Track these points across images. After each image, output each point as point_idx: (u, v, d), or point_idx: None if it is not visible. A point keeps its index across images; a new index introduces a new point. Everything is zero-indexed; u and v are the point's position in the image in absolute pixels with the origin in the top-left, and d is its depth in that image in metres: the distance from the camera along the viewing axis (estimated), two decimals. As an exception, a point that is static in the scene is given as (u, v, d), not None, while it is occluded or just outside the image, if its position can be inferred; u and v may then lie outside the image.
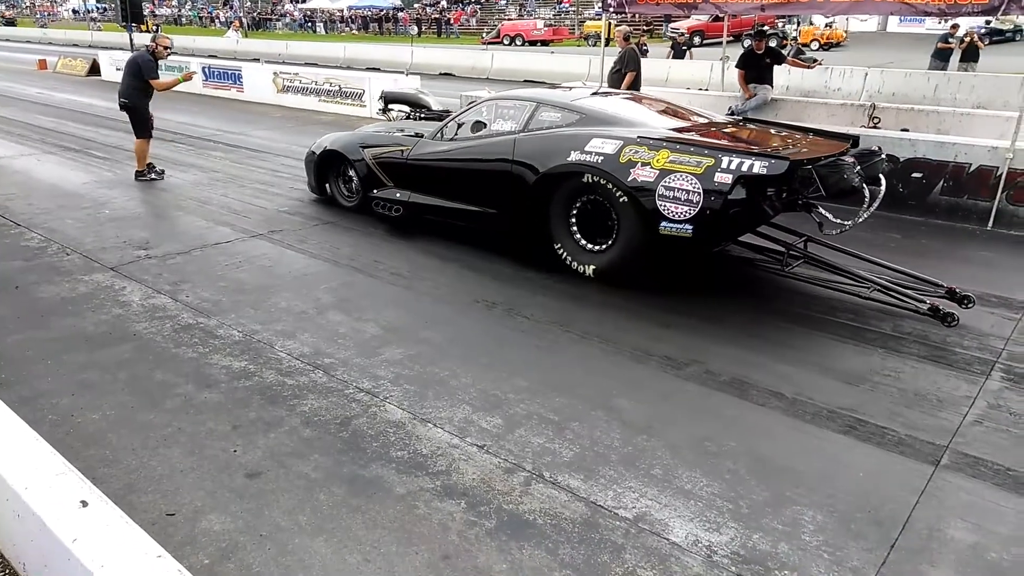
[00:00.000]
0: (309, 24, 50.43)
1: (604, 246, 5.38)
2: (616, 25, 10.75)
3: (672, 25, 34.13)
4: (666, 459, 3.32)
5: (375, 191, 6.79)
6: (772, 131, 5.84)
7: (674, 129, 5.42)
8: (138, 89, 8.03)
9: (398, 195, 6.59)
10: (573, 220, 5.52)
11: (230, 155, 9.87)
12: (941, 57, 16.34)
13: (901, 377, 4.10)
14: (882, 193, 5.02)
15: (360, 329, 4.57)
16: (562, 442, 3.43)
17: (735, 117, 7.50)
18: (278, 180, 8.49)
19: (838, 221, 5.04)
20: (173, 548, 2.72)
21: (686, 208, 4.72)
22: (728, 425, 3.60)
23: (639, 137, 5.10)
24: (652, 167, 4.88)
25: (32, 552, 2.14)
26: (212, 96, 16.73)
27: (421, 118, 7.77)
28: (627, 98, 6.38)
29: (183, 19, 59.54)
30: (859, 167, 4.88)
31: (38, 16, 64.66)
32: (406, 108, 8.20)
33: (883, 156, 5.15)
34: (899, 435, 3.53)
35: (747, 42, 11.89)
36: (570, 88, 6.64)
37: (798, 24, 32.04)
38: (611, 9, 8.97)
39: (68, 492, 2.11)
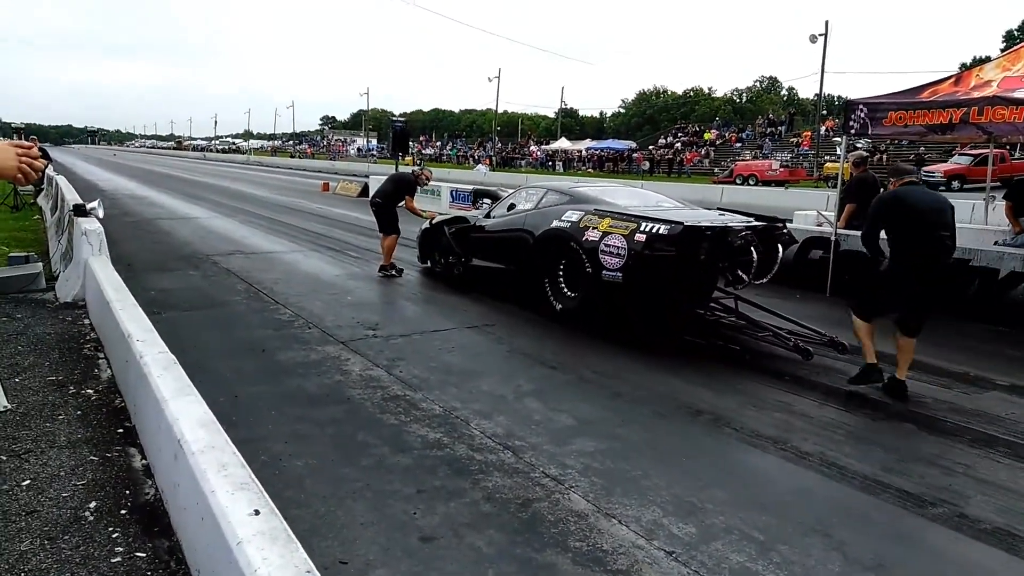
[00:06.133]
0: (550, 163, 54.38)
1: (576, 293, 6.79)
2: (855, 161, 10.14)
3: (927, 169, 31.71)
4: (899, 606, 2.68)
5: (451, 258, 8.82)
6: (724, 215, 6.83)
7: (630, 207, 6.73)
8: (391, 196, 9.14)
9: (463, 259, 8.58)
10: (560, 272, 6.99)
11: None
12: None
13: None
14: (779, 258, 6.30)
15: (554, 419, 4.43)
16: (766, 564, 2.92)
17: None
18: (498, 284, 8.84)
19: (742, 276, 6.10)
20: (339, 596, 2.66)
21: (617, 260, 6.14)
22: (988, 582, 2.86)
23: (595, 209, 6.72)
24: (598, 230, 6.40)
25: (205, 555, 2.18)
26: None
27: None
28: (623, 189, 8.10)
29: (444, 157, 67.34)
30: (746, 233, 6.03)
31: (332, 153, 76.99)
32: (489, 200, 9.96)
33: (784, 230, 6.69)
34: None
35: None
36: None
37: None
38: (853, 132, 8.50)
39: (246, 501, 2.14)
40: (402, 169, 12.27)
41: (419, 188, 9.28)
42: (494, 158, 56.39)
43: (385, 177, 10.24)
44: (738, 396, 4.94)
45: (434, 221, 9.34)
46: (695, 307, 6.81)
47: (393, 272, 9.12)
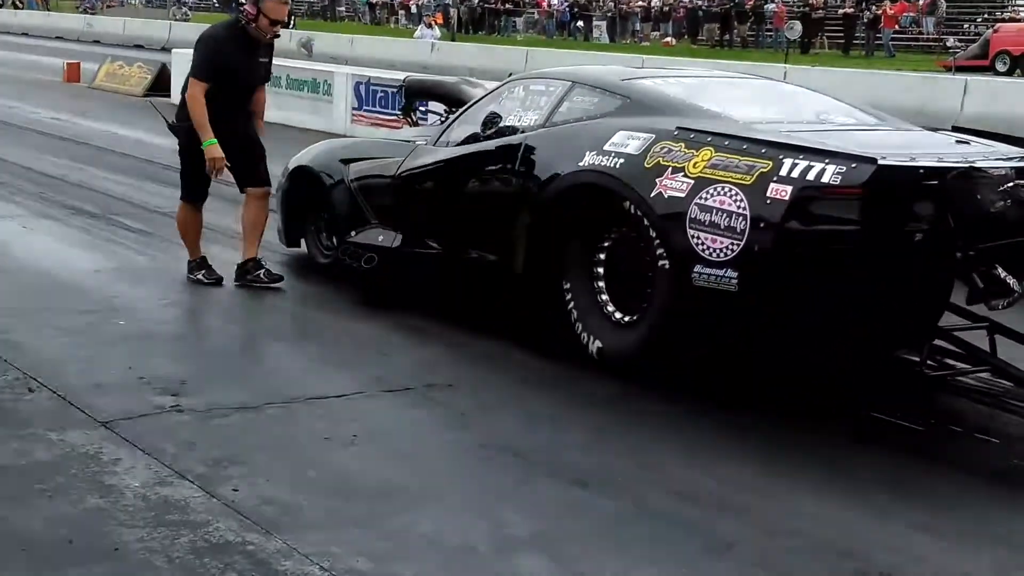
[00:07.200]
0: (577, 24, 54.72)
1: (635, 314, 6.96)
2: None
3: None
4: None
5: (353, 232, 9.05)
6: (968, 144, 7.04)
7: (758, 123, 7.02)
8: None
9: (380, 238, 8.85)
10: (600, 268, 7.26)
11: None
12: None
13: None
14: None
15: (585, 600, 4.48)
16: None
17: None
18: (459, 295, 8.85)
19: (1004, 278, 6.11)
20: None
21: (728, 241, 6.08)
22: None
23: (679, 129, 6.78)
24: (687, 174, 6.41)
25: None
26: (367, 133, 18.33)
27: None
28: (741, 82, 8.93)
29: (344, 11, 67.62)
30: (1016, 183, 5.97)
31: (88, 1, 76.91)
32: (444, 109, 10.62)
33: None
34: None
35: None
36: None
37: None
38: None
39: None
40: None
41: (257, 46, 9.09)
42: (457, 10, 56.63)
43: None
44: (1001, 547, 5.00)
45: (301, 161, 9.65)
46: (900, 347, 6.86)
47: (200, 275, 8.98)
